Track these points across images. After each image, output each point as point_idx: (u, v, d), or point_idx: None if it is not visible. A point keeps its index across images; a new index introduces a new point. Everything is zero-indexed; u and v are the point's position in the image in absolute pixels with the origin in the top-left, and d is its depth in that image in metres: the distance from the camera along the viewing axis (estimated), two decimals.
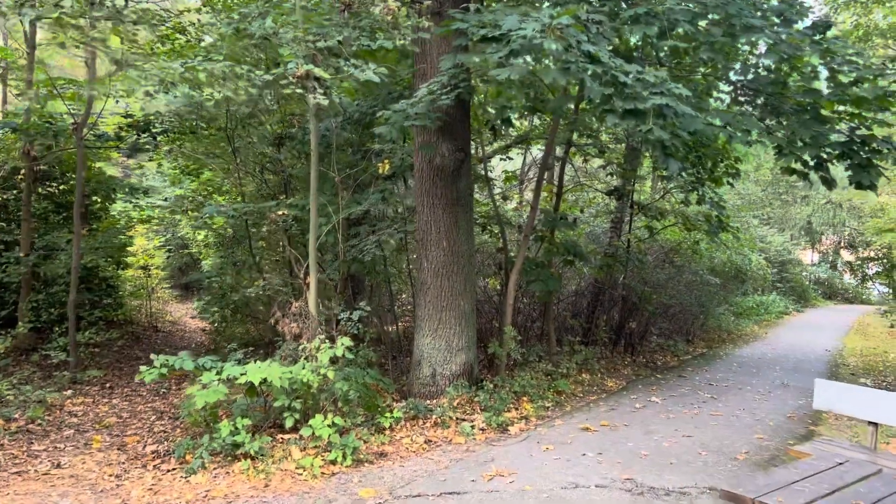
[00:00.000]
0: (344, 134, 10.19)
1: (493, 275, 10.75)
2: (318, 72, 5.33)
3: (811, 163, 8.05)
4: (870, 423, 5.23)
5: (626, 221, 13.78)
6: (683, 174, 11.41)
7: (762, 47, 8.51)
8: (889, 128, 8.07)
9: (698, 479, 5.84)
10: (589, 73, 5.60)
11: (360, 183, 9.92)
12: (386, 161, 9.11)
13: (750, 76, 7.89)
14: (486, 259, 11.13)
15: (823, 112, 7.79)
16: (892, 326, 21.09)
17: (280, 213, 8.78)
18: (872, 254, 37.62)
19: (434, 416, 7.34)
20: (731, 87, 8.52)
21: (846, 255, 39.18)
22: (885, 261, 37.06)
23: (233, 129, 10.51)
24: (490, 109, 9.48)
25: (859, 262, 38.79)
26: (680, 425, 7.66)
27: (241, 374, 6.31)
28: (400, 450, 6.55)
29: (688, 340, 15.19)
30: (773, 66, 7.95)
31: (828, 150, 7.59)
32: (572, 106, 9.96)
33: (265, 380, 6.26)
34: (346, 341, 6.67)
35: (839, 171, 8.13)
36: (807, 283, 31.04)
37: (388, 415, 6.95)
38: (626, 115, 5.51)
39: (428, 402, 7.90)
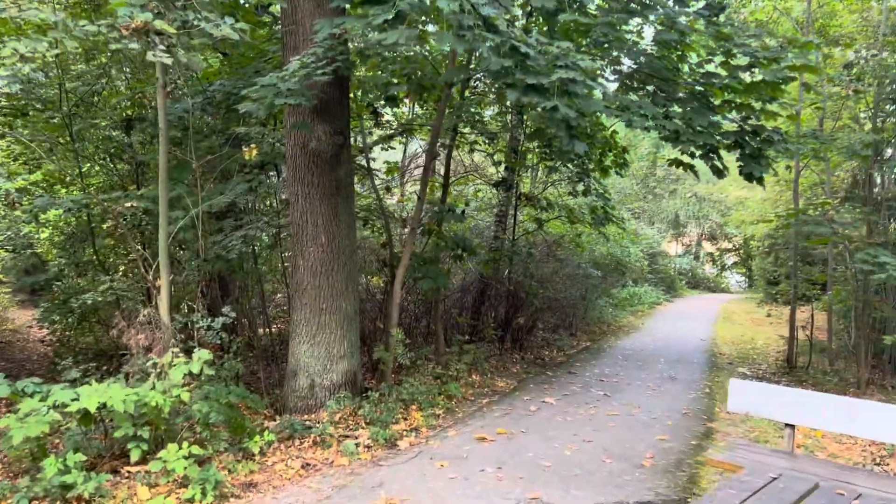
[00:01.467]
0: (206, 117, 9.04)
1: (376, 272, 9.94)
2: (159, 24, 4.32)
3: (698, 153, 7.87)
4: (787, 424, 4.90)
5: (512, 214, 13.39)
6: (570, 165, 11.12)
7: (649, 34, 8.26)
8: (775, 119, 7.98)
9: (608, 492, 5.34)
10: (488, 44, 4.93)
11: (226, 172, 8.80)
12: (253, 147, 8.08)
13: (642, 60, 7.55)
14: (368, 255, 10.30)
15: (714, 100, 7.60)
16: (768, 315, 22.20)
17: (128, 205, 7.54)
18: (731, 245, 40.16)
19: (313, 435, 6.45)
20: (618, 75, 8.20)
21: (708, 247, 41.56)
22: (741, 252, 39.64)
23: (70, 110, 9.03)
24: (371, 94, 8.65)
25: (719, 253, 41.31)
26: (578, 429, 7.20)
27: (73, 400, 5.15)
28: (273, 478, 5.62)
29: (571, 334, 15.08)
30: (659, 52, 7.66)
31: (719, 139, 7.39)
32: (457, 93, 9.36)
33: (104, 405, 5.15)
34: (205, 354, 5.65)
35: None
36: (674, 273, 32.44)
37: (257, 438, 5.98)
38: (528, 90, 4.88)
39: (306, 417, 7.00)
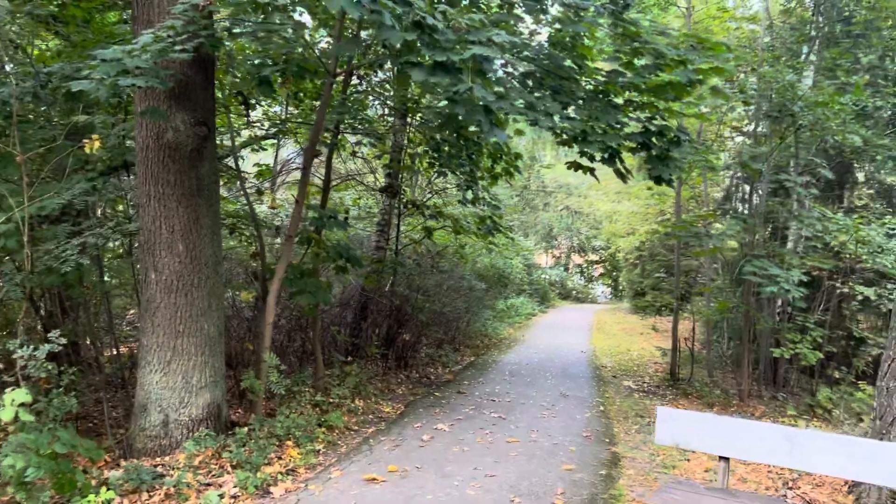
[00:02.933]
0: (41, 105, 7.58)
1: (244, 286, 8.77)
2: None
3: (598, 157, 7.43)
4: (721, 457, 4.38)
5: (395, 223, 12.58)
6: (458, 172, 10.47)
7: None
8: (679, 118, 7.67)
9: None
10: (387, 14, 4.09)
11: (64, 169, 7.37)
12: (96, 138, 6.73)
13: (541, 56, 6.98)
14: (236, 267, 9.11)
15: (617, 100, 7.18)
16: (654, 329, 22.61)
17: None
18: (598, 257, 41.53)
19: (166, 486, 5.28)
20: (513, 74, 7.62)
21: (577, 259, 42.78)
22: (607, 264, 41.07)
23: None
24: (240, 77, 7.52)
25: (587, 265, 42.64)
26: (478, 460, 6.46)
27: None
28: None
29: (455, 349, 14.45)
30: (552, 50, 7.15)
31: (624, 141, 6.96)
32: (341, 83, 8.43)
33: None
34: (21, 395, 4.40)
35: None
36: (547, 285, 32.90)
37: (92, 497, 4.76)
38: (436, 69, 4.09)
39: (158, 462, 5.80)
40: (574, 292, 39.07)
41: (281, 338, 9.31)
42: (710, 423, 4.46)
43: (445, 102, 4.88)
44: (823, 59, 10.05)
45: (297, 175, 12.32)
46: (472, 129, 4.16)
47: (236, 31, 6.15)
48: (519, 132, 10.24)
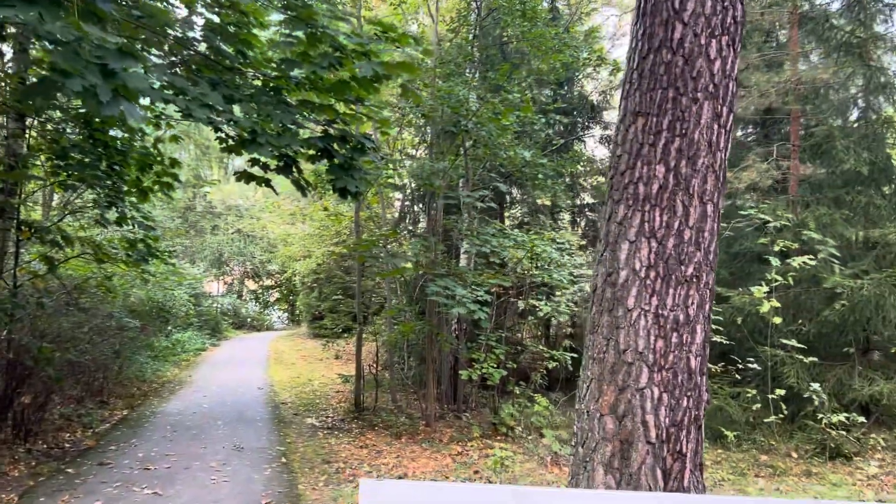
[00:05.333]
0: None
1: None
2: None
3: (272, 165, 6.30)
4: None
5: (13, 252, 9.78)
6: (95, 186, 8.38)
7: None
8: (362, 123, 6.83)
9: None
10: None
11: None
12: None
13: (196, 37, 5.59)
14: None
15: (290, 99, 6.09)
16: (337, 357, 21.73)
17: None
18: (273, 282, 39.96)
19: None
20: (165, 59, 6.09)
21: (251, 285, 40.67)
22: (283, 288, 39.74)
23: None
24: None
25: (262, 291, 40.79)
26: None
27: None
28: None
29: (102, 402, 11.89)
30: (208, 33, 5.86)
31: (301, 147, 5.89)
32: None
33: None
34: None
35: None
36: (219, 314, 30.41)
37: None
38: None
39: None
40: (249, 320, 36.92)
41: None
42: (429, 493, 3.54)
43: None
44: (487, 79, 10.23)
45: None
46: (79, 94, 2.75)
47: None
48: (175, 138, 8.55)
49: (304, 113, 6.00)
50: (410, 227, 14.26)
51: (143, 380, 14.61)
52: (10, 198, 9.00)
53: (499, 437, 9.29)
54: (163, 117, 8.58)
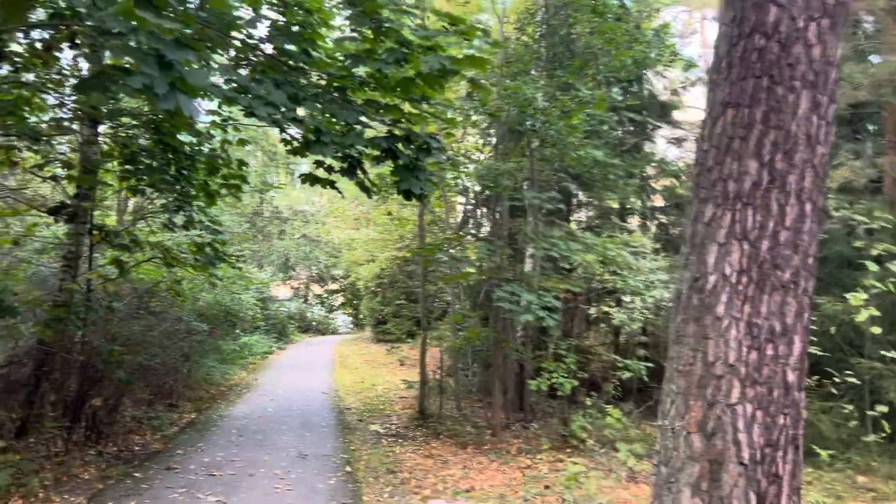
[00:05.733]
0: None
1: None
2: None
3: (337, 167, 6.16)
4: None
5: (87, 256, 9.99)
6: (164, 190, 8.43)
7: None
8: (427, 123, 6.60)
9: None
10: None
11: None
12: None
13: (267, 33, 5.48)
14: None
15: (355, 98, 5.93)
16: (402, 364, 21.70)
17: None
18: (337, 286, 40.39)
19: None
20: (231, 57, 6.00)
21: (316, 289, 41.20)
22: (347, 292, 40.09)
23: None
24: None
25: (327, 295, 41.27)
26: None
27: None
28: None
29: (172, 405, 12.05)
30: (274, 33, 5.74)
31: (366, 147, 5.71)
32: None
33: None
34: None
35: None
36: (285, 318, 30.83)
37: None
38: None
39: None
40: (314, 324, 37.37)
41: None
42: None
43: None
44: (555, 77, 9.88)
45: None
46: (138, 91, 2.62)
47: None
48: (242, 142, 8.54)
49: (369, 112, 5.82)
50: (473, 231, 13.99)
51: (211, 383, 14.80)
52: (84, 202, 9.18)
53: (569, 450, 8.91)
54: (229, 121, 8.60)
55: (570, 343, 8.95)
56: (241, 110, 4.72)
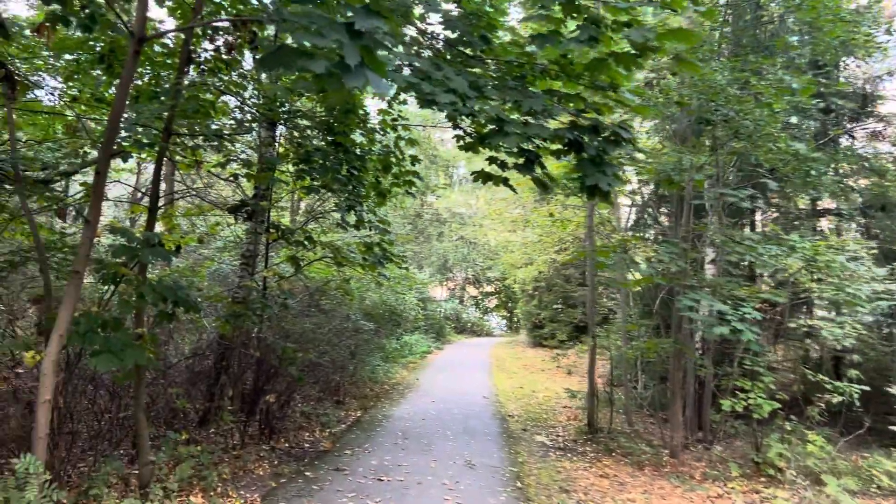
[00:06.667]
0: None
1: (30, 344, 6.26)
2: None
3: (511, 162, 5.70)
4: None
5: (263, 254, 10.35)
6: (336, 189, 8.45)
7: None
8: (611, 113, 5.98)
9: None
10: None
11: None
12: None
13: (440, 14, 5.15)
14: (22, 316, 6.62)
15: (532, 89, 5.45)
16: (566, 370, 21.20)
17: None
18: (492, 288, 40.32)
19: None
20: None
21: (471, 290, 41.39)
22: (501, 295, 39.90)
23: None
24: None
25: (482, 297, 41.33)
26: None
27: None
28: None
29: (338, 402, 12.25)
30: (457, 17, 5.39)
31: (547, 139, 5.22)
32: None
33: None
34: None
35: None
36: (442, 319, 31.14)
37: None
38: None
39: None
40: (469, 325, 37.53)
41: (86, 413, 6.86)
42: None
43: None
44: (748, 63, 8.84)
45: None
46: (326, 66, 2.36)
47: None
48: (412, 142, 8.37)
49: (552, 102, 5.33)
50: (646, 233, 13.08)
51: (375, 381, 15.00)
52: (261, 202, 9.46)
53: (763, 479, 7.90)
54: (399, 119, 8.48)
55: (767, 360, 7.93)
56: (420, 98, 4.39)
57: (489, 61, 5.52)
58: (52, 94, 8.37)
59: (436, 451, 8.74)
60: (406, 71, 4.35)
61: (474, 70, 5.33)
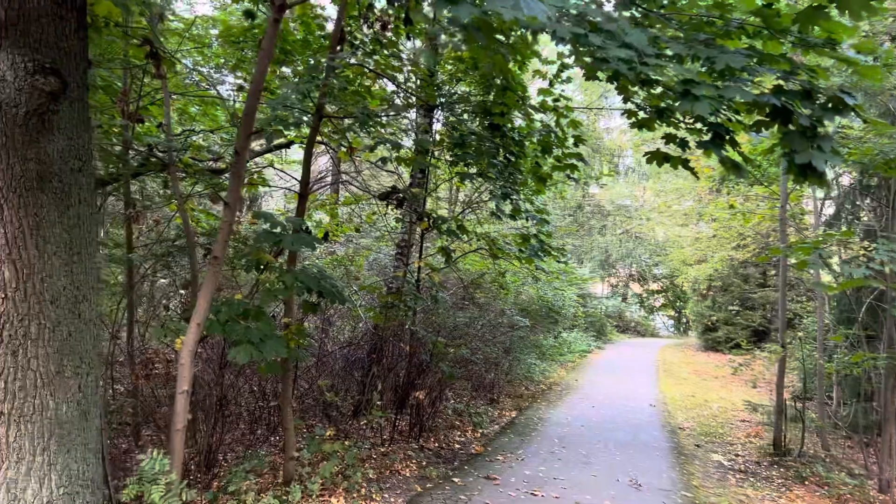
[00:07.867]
0: None
1: (177, 330, 6.26)
2: None
3: (692, 139, 4.83)
4: None
5: (417, 244, 10.04)
6: (492, 175, 7.85)
7: None
8: (826, 78, 4.86)
9: None
10: None
11: None
12: None
13: None
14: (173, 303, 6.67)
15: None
16: (754, 377, 19.56)
17: None
18: (658, 286, 38.06)
19: None
20: None
21: (635, 288, 39.35)
22: (669, 293, 37.55)
23: None
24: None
25: (647, 295, 39.15)
26: None
27: None
28: None
29: (492, 400, 11.73)
30: None
31: (743, 105, 4.29)
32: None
33: None
34: None
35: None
36: (603, 317, 29.76)
37: None
38: None
39: None
40: (633, 324, 35.67)
41: (226, 398, 6.81)
42: None
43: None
44: None
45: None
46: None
47: None
48: (574, 123, 7.58)
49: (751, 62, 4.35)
50: (847, 227, 11.28)
51: (531, 380, 14.35)
52: (415, 188, 9.11)
53: None
54: (560, 99, 7.72)
55: None
56: (586, 60, 3.65)
57: (672, 18, 4.64)
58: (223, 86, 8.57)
59: (596, 465, 7.92)
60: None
61: (653, 27, 4.50)
